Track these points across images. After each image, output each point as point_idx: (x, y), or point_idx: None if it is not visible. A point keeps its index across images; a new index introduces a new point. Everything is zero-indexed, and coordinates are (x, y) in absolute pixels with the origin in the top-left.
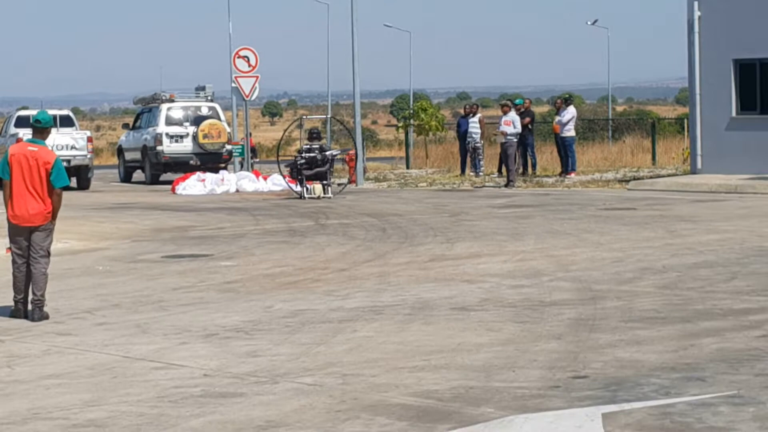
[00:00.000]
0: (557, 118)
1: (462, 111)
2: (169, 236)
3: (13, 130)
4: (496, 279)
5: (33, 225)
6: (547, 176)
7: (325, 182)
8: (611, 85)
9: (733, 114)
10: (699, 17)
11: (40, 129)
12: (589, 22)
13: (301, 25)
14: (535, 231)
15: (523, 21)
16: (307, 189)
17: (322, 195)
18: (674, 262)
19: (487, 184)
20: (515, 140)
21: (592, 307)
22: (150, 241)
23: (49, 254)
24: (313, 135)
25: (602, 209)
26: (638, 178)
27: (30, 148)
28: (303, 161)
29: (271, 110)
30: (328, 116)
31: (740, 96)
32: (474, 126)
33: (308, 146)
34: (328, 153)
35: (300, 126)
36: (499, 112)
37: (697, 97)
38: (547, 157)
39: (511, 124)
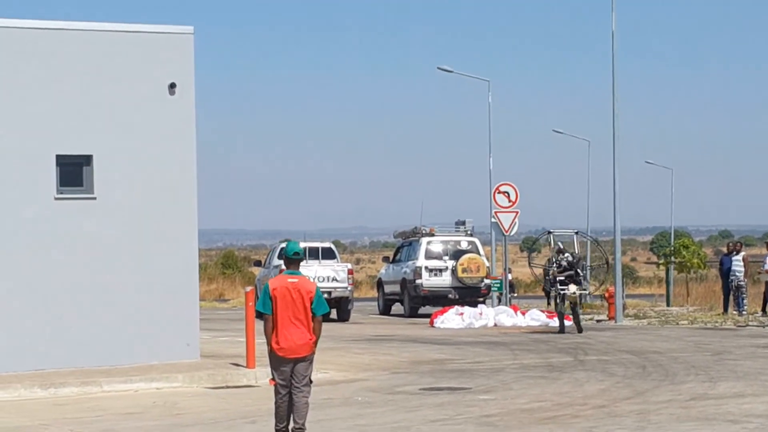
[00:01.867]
0: None
1: (725, 249)
2: (427, 369)
3: (276, 261)
4: (761, 419)
5: (299, 356)
6: None
7: (579, 285)
8: None
9: None
10: None
11: (295, 260)
12: None
13: (561, 161)
14: None
15: None
16: (560, 292)
17: (577, 291)
18: None
19: (750, 323)
20: None
21: None
22: (408, 373)
23: (311, 383)
24: (560, 249)
25: None
26: None
27: (290, 280)
28: (556, 267)
29: (530, 246)
30: (576, 232)
31: None
32: (737, 264)
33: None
34: (580, 260)
35: (547, 241)
36: (764, 251)
37: None
38: None
39: None
